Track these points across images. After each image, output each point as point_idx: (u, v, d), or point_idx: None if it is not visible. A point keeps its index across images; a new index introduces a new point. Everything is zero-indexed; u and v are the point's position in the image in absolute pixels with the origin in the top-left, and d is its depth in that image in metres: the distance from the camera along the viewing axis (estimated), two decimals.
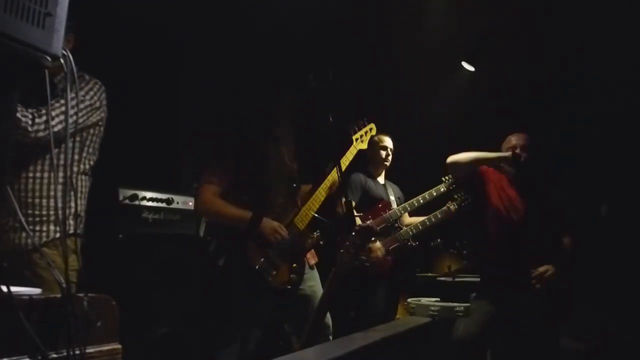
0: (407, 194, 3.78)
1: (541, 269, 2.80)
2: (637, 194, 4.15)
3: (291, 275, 2.58)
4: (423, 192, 3.54)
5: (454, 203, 3.55)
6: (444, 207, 3.51)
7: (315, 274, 2.79)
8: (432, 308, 2.85)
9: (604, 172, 4.26)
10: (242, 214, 2.51)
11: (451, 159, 2.95)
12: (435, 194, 3.48)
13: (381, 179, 3.70)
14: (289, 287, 2.57)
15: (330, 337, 2.70)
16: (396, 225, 3.48)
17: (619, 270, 3.84)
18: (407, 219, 3.66)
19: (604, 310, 3.76)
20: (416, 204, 3.44)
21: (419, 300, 3.15)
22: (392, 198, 3.58)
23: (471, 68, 4.56)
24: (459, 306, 2.84)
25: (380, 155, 3.64)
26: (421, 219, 3.56)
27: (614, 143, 4.38)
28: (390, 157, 3.67)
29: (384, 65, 4.37)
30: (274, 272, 2.53)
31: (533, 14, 3.92)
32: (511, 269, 2.84)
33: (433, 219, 3.50)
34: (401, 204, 3.60)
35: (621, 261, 3.88)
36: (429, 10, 4.05)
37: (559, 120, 4.58)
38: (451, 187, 3.53)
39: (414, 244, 3.53)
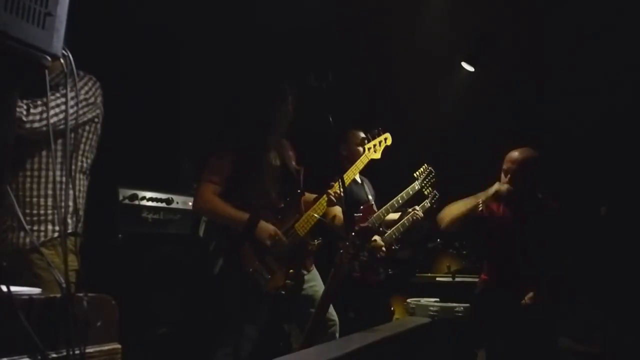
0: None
1: (527, 298, 2.78)
2: (636, 195, 4.15)
3: (287, 281, 2.56)
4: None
5: (427, 201, 3.56)
6: (412, 212, 3.49)
7: (315, 273, 2.77)
8: (432, 308, 2.86)
9: (604, 173, 4.27)
10: (240, 215, 2.50)
11: (438, 218, 3.00)
12: (411, 192, 3.47)
13: (357, 177, 3.54)
14: (283, 292, 2.56)
15: (337, 334, 2.69)
16: (381, 229, 3.45)
17: (619, 271, 3.84)
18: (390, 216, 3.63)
19: (604, 311, 3.76)
20: (396, 205, 3.41)
21: (419, 301, 3.16)
22: (369, 198, 3.53)
23: (471, 68, 4.57)
24: (459, 306, 2.84)
25: (359, 155, 3.38)
26: (397, 215, 3.53)
27: (613, 144, 4.39)
28: None
29: (384, 65, 4.37)
30: (269, 277, 2.52)
31: (533, 14, 3.92)
32: (507, 285, 2.83)
33: (411, 219, 3.48)
34: (374, 200, 3.56)
35: (621, 262, 3.88)
36: (428, 10, 4.05)
37: (558, 121, 4.59)
38: (423, 184, 3.54)
39: (397, 247, 3.51)
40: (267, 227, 2.52)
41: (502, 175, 2.93)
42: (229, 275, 2.51)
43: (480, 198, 2.89)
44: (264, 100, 2.72)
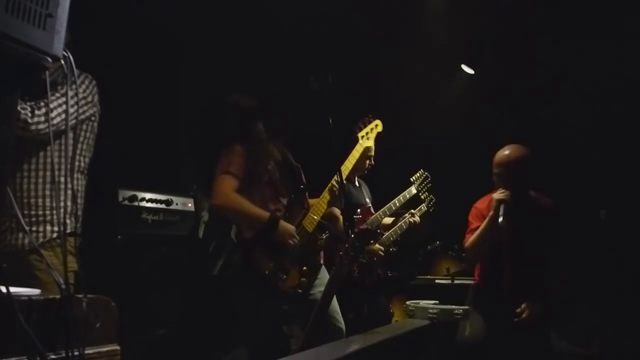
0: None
1: (521, 310, 2.75)
2: (637, 198, 4.15)
3: (301, 279, 2.56)
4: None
5: (423, 205, 3.58)
6: (406, 218, 3.48)
7: (326, 278, 2.77)
8: (431, 311, 2.85)
9: (604, 175, 4.27)
10: (261, 213, 2.48)
11: (465, 250, 2.99)
12: (408, 196, 3.48)
13: (356, 181, 3.54)
14: (300, 290, 2.55)
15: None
16: (378, 231, 3.45)
17: (619, 274, 3.84)
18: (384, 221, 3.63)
19: (603, 314, 3.76)
20: (393, 208, 3.42)
21: (418, 303, 3.15)
22: (367, 201, 3.52)
23: (471, 71, 4.57)
24: (458, 309, 2.83)
25: (364, 163, 3.41)
26: (391, 220, 3.54)
27: (614, 146, 4.39)
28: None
29: (384, 67, 4.37)
30: (284, 277, 2.51)
31: (533, 17, 3.93)
32: (499, 288, 2.82)
33: (408, 222, 3.48)
34: (371, 203, 3.56)
35: (621, 265, 3.88)
36: (429, 13, 4.06)
37: (558, 123, 4.59)
38: (420, 188, 3.56)
39: (394, 249, 3.52)
40: (287, 226, 2.52)
41: (494, 179, 2.86)
42: (241, 276, 2.50)
43: (489, 220, 2.79)
44: (266, 99, 2.72)
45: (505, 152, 2.84)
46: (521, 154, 2.81)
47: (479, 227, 2.90)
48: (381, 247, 3.36)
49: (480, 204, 3.01)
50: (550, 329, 2.97)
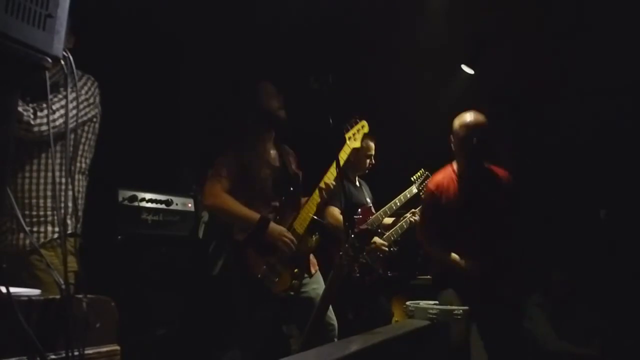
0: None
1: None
2: (637, 198, 4.15)
3: (293, 281, 2.56)
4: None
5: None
6: (407, 217, 3.50)
7: (318, 276, 2.77)
8: (431, 311, 2.85)
9: (604, 175, 4.27)
10: (251, 214, 2.51)
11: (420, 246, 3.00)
12: (409, 195, 3.49)
13: (356, 181, 3.57)
14: (292, 293, 2.56)
15: (336, 339, 2.69)
16: (379, 231, 3.45)
17: (619, 274, 3.84)
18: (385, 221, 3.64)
19: (603, 314, 3.76)
20: (394, 207, 3.43)
21: (418, 303, 3.15)
22: (368, 200, 3.54)
23: (471, 71, 4.57)
24: (458, 309, 2.83)
25: (364, 163, 3.47)
26: (391, 220, 3.56)
27: (614, 146, 4.39)
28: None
29: (384, 67, 4.37)
30: (276, 279, 2.52)
31: (533, 17, 3.93)
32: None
33: (409, 221, 3.50)
34: (372, 203, 3.56)
35: (621, 265, 3.88)
36: (429, 13, 4.06)
37: (558, 123, 4.59)
38: (421, 187, 3.56)
39: (395, 249, 3.52)
40: (278, 227, 2.53)
41: (450, 142, 2.85)
42: (232, 281, 2.51)
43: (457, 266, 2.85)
44: (258, 99, 2.73)
45: (466, 117, 2.84)
46: (481, 121, 2.81)
47: (430, 217, 2.93)
48: (384, 243, 3.35)
49: (432, 184, 2.95)
50: (522, 305, 2.97)
